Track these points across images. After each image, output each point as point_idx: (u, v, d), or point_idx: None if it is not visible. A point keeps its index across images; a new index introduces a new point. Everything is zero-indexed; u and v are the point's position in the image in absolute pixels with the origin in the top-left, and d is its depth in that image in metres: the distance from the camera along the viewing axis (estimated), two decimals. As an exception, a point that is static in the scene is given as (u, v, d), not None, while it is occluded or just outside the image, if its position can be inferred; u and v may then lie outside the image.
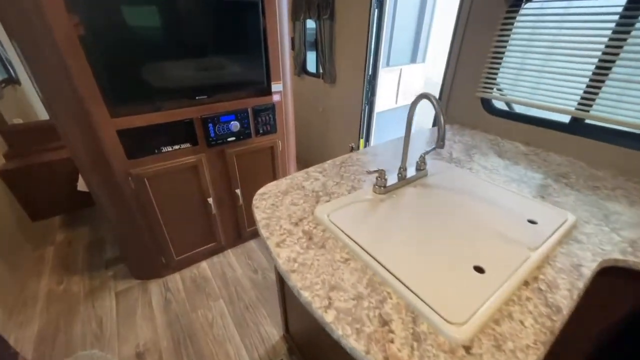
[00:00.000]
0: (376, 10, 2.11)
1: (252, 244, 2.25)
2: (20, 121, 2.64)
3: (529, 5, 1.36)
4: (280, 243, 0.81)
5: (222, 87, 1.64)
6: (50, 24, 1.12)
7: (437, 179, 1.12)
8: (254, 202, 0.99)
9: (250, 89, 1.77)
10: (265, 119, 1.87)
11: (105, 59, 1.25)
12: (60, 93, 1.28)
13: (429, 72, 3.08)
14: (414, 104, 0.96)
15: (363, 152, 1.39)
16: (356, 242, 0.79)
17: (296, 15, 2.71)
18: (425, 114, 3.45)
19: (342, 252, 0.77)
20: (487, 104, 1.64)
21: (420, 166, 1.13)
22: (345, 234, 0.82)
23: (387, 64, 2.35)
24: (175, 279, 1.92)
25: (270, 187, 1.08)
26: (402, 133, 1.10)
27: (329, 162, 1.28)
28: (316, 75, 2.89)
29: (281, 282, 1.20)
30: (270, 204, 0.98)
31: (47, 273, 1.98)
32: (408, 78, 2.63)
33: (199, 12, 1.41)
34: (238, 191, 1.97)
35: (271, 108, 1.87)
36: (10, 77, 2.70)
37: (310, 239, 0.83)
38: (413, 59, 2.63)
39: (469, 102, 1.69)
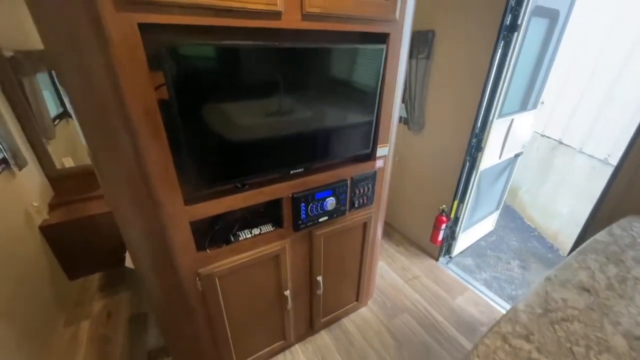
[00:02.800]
0: (500, 50, 1.67)
1: (324, 336, 1.76)
2: (70, 160, 2.42)
3: None
4: None
5: (322, 155, 1.23)
6: (125, 89, 0.76)
7: None
8: None
9: (353, 155, 1.36)
10: (363, 190, 1.43)
11: (191, 129, 0.88)
12: (127, 182, 0.92)
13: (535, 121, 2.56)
14: None
15: (560, 282, 0.89)
16: None
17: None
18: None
19: None
20: None
21: None
22: None
23: (500, 114, 1.87)
24: (234, 393, 1.46)
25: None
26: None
27: (521, 310, 0.79)
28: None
29: None
30: None
31: (79, 365, 1.61)
32: (517, 128, 2.13)
33: (315, 62, 1.02)
34: (319, 278, 1.52)
35: (372, 176, 1.43)
36: (65, 111, 2.52)
37: None
38: (524, 106, 2.14)
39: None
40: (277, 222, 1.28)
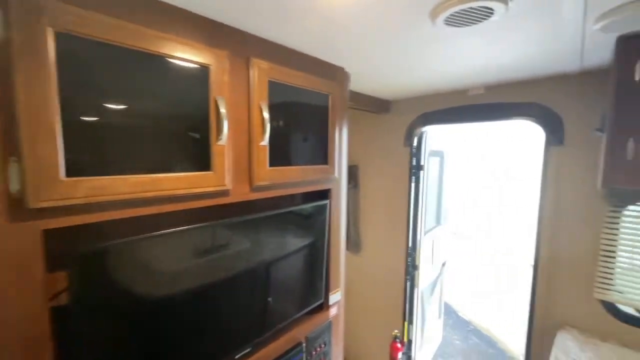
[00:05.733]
0: (413, 184, 1.98)
1: None
2: None
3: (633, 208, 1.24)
4: None
5: (271, 325, 1.05)
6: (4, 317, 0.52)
7: None
8: None
9: (305, 310, 1.21)
10: (320, 348, 1.24)
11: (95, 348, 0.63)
12: None
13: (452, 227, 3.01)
14: None
15: None
16: None
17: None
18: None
19: None
20: (613, 309, 1.31)
21: None
22: None
23: (425, 232, 2.09)
24: None
25: None
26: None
27: None
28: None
29: None
30: None
31: None
32: (437, 243, 2.38)
33: (262, 227, 0.97)
34: None
35: (327, 329, 1.28)
36: None
37: None
38: (439, 221, 2.47)
39: (583, 305, 1.36)
40: None
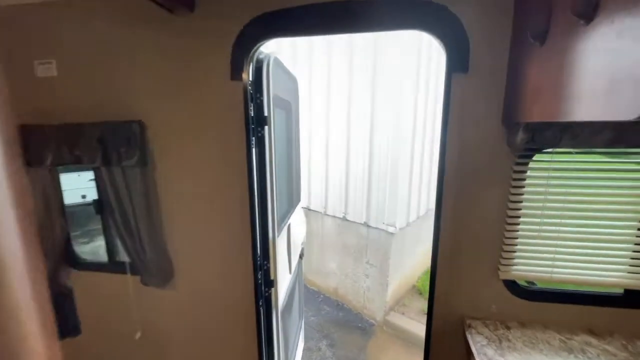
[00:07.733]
0: (255, 148, 1.13)
1: None
2: None
3: (541, 157, 0.95)
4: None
5: None
6: None
7: None
8: None
9: None
10: None
11: None
12: None
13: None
14: None
15: None
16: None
17: (33, 159, 1.13)
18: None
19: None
20: (515, 287, 1.04)
21: None
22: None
23: (280, 228, 1.34)
24: None
25: None
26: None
27: None
28: (112, 268, 1.29)
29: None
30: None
31: None
32: (296, 229, 1.73)
33: None
34: None
35: None
36: None
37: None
38: (291, 203, 1.80)
39: (485, 289, 1.03)
40: None
